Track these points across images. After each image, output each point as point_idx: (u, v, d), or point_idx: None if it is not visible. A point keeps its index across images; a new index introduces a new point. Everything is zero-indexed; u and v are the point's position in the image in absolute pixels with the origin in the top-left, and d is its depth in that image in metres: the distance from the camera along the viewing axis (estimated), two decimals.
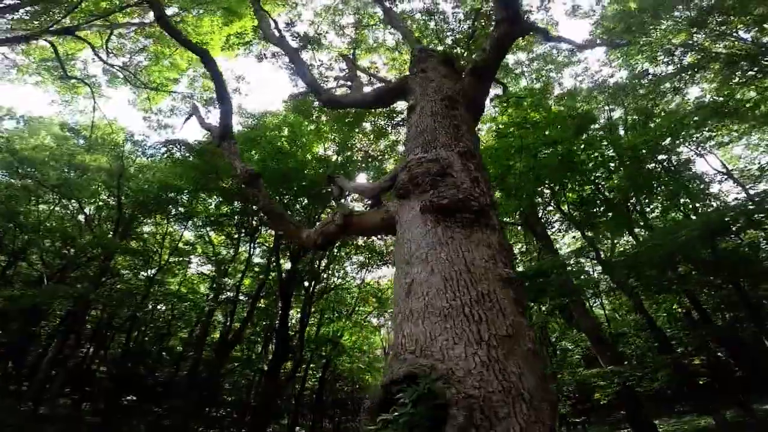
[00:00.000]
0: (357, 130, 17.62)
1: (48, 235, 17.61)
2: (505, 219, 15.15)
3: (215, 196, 18.33)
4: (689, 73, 14.29)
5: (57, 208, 19.29)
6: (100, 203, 19.43)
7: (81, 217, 19.65)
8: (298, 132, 17.05)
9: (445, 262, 3.10)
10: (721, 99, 14.40)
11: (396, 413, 2.22)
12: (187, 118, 8.03)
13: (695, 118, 13.76)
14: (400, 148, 17.23)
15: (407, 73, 8.49)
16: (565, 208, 14.86)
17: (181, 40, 6.96)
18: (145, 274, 20.26)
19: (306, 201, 17.77)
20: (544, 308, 14.65)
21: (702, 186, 15.87)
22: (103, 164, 18.50)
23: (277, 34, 9.92)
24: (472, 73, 6.80)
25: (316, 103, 16.40)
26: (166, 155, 16.07)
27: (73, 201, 18.60)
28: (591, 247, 13.21)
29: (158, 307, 22.22)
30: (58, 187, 17.12)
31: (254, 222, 18.70)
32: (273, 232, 20.67)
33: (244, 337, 21.95)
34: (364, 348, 24.78)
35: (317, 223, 7.83)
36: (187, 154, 16.11)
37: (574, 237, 20.06)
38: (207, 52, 6.85)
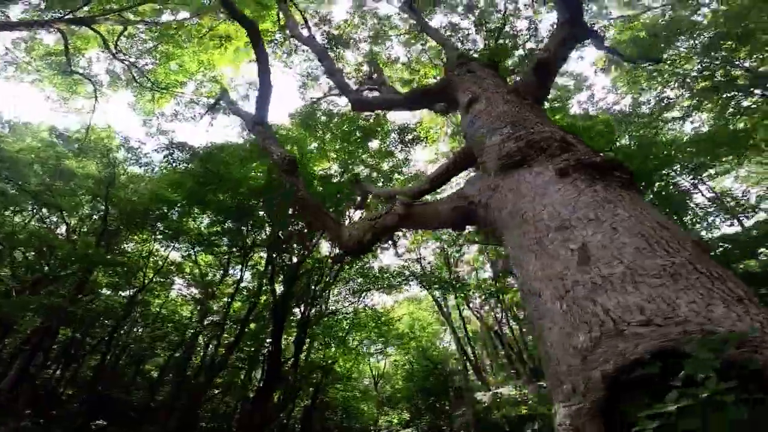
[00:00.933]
0: (361, 151, 17.01)
1: (22, 245, 15.96)
2: None
3: (209, 213, 17.10)
4: (698, 99, 14.55)
5: (37, 217, 17.69)
6: (85, 213, 17.88)
7: (62, 229, 18.06)
8: (303, 149, 16.33)
9: (629, 219, 2.47)
10: (717, 128, 14.63)
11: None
12: (215, 103, 7.31)
13: (690, 149, 13.86)
14: (410, 168, 16.82)
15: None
16: None
17: (233, 10, 6.32)
18: (126, 293, 18.61)
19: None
20: None
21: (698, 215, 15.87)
22: (92, 171, 17.22)
23: (305, 33, 9.43)
24: (534, 71, 6.46)
25: (324, 118, 15.84)
26: (165, 160, 14.89)
27: (54, 210, 17.06)
28: None
29: (136, 329, 20.47)
30: (38, 194, 15.67)
31: (248, 241, 17.56)
32: (265, 255, 19.55)
33: (230, 363, 20.28)
34: (354, 376, 23.18)
35: (359, 219, 7.07)
36: (187, 163, 15.00)
37: None
38: (255, 25, 6.22)
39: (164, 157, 14.63)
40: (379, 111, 13.56)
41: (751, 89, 14.51)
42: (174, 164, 14.96)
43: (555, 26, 7.48)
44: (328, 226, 6.29)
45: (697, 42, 13.86)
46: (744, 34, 12.30)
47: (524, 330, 23.64)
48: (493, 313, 25.30)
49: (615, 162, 3.04)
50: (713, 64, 13.97)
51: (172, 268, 20.40)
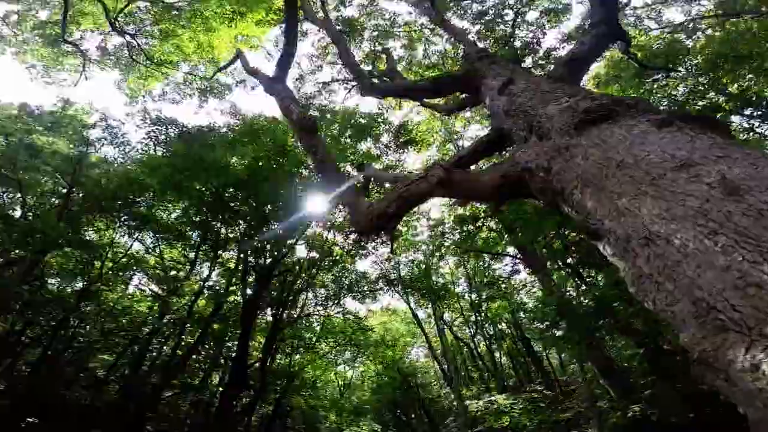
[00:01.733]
0: (351, 152, 16.55)
1: None
2: None
3: (181, 203, 16.01)
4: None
5: None
6: (47, 190, 16.23)
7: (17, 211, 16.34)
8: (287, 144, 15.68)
9: (764, 158, 2.23)
10: None
11: None
12: (231, 62, 6.77)
13: None
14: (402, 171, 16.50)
15: None
16: None
17: None
18: (79, 284, 16.96)
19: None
20: None
21: None
22: (61, 149, 15.83)
23: (321, 14, 9.08)
24: (565, 64, 6.33)
25: (316, 113, 15.34)
26: (147, 136, 13.83)
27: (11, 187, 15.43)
28: None
29: (85, 324, 18.59)
30: None
31: (221, 237, 16.54)
32: (235, 255, 18.50)
33: (189, 365, 18.82)
34: (320, 385, 22.05)
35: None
36: (168, 145, 13.97)
37: None
38: None
39: (147, 134, 13.66)
40: (392, 98, 13.22)
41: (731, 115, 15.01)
42: (156, 143, 13.93)
43: (589, 25, 7.46)
44: (347, 200, 5.81)
45: (688, 66, 14.33)
46: (733, 60, 12.80)
47: (494, 345, 23.51)
48: (468, 327, 25.07)
49: (710, 117, 2.82)
50: (700, 89, 14.41)
51: (132, 261, 18.83)
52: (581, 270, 13.59)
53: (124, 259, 17.94)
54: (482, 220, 15.98)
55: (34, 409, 15.23)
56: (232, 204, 14.81)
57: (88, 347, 18.51)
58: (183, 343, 18.05)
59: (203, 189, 14.37)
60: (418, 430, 25.85)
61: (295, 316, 17.34)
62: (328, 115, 15.21)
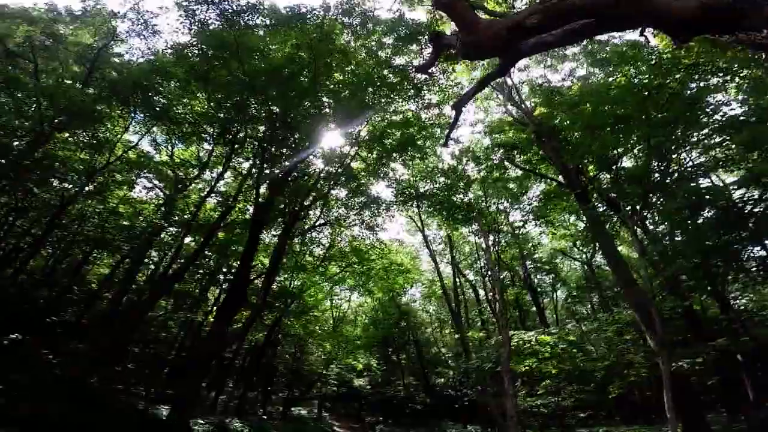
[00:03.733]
0: None
1: None
2: None
3: (205, 95, 14.07)
4: None
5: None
6: (63, 76, 14.06)
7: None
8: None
9: None
10: None
11: None
12: None
13: None
14: None
15: None
16: None
17: None
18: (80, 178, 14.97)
19: None
20: None
21: None
22: (85, 39, 14.09)
23: None
24: None
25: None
26: (182, 14, 11.78)
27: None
28: None
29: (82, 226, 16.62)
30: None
31: (240, 134, 14.65)
32: (250, 160, 16.61)
33: (187, 277, 17.25)
34: (316, 314, 20.73)
35: None
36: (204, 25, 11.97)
37: None
38: None
39: (183, 11, 11.60)
40: None
41: None
42: (191, 23, 11.90)
43: None
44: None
45: None
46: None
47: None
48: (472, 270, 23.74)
49: None
50: None
51: (142, 160, 16.78)
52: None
53: (132, 155, 16.02)
54: (521, 149, 14.36)
55: (18, 323, 13.59)
56: (260, 97, 12.84)
57: (84, 254, 16.87)
58: (183, 251, 16.48)
59: (232, 78, 12.63)
60: (407, 370, 25.39)
61: (306, 227, 15.68)
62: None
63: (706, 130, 10.99)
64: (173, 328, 19.32)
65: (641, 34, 6.02)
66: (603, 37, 17.91)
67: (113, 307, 15.48)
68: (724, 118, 10.49)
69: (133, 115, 14.65)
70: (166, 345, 18.84)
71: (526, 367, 13.11)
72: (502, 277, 22.80)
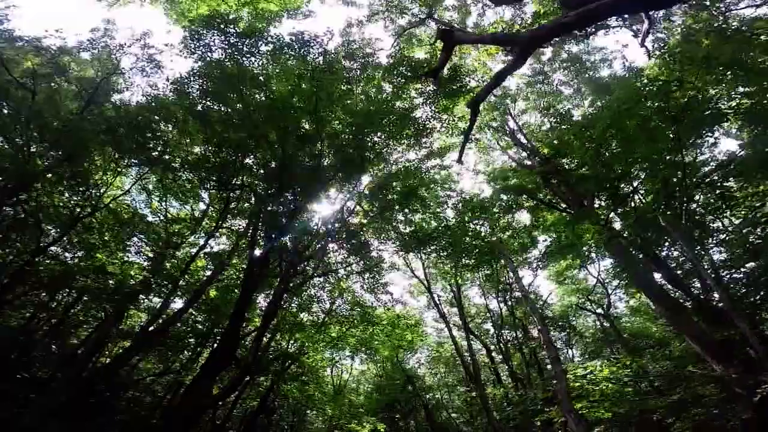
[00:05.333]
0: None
1: None
2: None
3: (202, 137, 13.35)
4: None
5: None
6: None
7: None
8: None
9: None
10: None
11: None
12: None
13: None
14: None
15: None
16: None
17: None
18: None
19: None
20: None
21: None
22: (89, 74, 13.62)
23: None
24: None
25: None
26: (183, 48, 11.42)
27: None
28: None
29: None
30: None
31: (238, 182, 13.74)
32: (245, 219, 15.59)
33: (172, 332, 15.41)
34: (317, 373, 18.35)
35: None
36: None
37: None
38: None
39: (182, 41, 11.27)
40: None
41: None
42: (191, 51, 11.48)
43: None
44: None
45: None
46: None
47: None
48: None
49: None
50: None
51: (135, 218, 15.61)
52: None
53: (122, 208, 14.98)
54: (528, 192, 13.29)
55: None
56: (258, 132, 12.10)
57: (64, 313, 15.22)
58: (169, 311, 14.84)
59: (231, 113, 11.88)
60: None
61: (307, 275, 14.11)
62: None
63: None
64: (160, 393, 17.21)
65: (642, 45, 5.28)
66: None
67: (86, 362, 13.51)
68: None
69: (126, 160, 13.73)
70: (150, 408, 16.59)
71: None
72: (514, 335, 20.83)
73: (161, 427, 14.18)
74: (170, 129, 13.27)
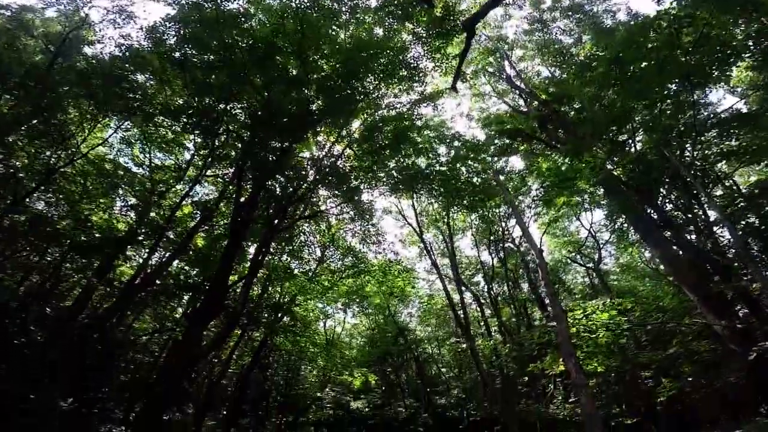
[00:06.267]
0: None
1: None
2: None
3: (181, 85, 12.43)
4: None
5: None
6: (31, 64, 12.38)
7: None
8: None
9: None
10: None
11: None
12: None
13: None
14: None
15: None
16: None
17: None
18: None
19: None
20: None
21: None
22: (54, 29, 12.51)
23: None
24: None
25: None
26: None
27: None
28: None
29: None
30: None
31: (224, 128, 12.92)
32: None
33: (161, 285, 14.92)
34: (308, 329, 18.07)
35: None
36: None
37: None
38: None
39: None
40: None
41: None
42: None
43: None
44: None
45: None
46: None
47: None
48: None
49: None
50: None
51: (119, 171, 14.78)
52: None
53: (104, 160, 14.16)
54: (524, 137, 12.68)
55: None
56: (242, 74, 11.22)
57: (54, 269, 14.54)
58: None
59: (212, 58, 11.08)
60: (407, 390, 22.57)
61: (296, 217, 13.51)
62: None
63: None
64: (157, 352, 16.91)
65: None
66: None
67: (72, 320, 13.06)
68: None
69: (102, 112, 12.79)
70: (148, 368, 16.32)
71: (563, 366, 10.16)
72: (504, 289, 20.68)
73: (156, 384, 13.93)
74: (147, 78, 12.38)
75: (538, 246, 21.16)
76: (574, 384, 6.72)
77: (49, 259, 14.62)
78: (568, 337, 8.30)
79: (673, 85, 9.99)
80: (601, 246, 17.66)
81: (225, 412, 17.97)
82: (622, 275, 21.87)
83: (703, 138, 11.19)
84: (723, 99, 35.99)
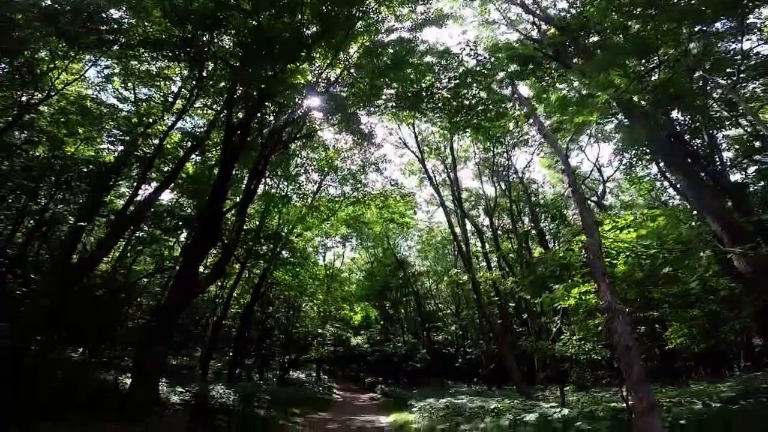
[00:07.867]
0: None
1: None
2: None
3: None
4: None
5: None
6: None
7: None
8: None
9: None
10: None
11: None
12: None
13: None
14: None
15: None
16: None
17: None
18: None
19: None
20: None
21: None
22: None
23: None
24: None
25: None
26: None
27: None
28: None
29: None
30: None
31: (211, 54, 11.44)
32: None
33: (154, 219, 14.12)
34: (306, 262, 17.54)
35: None
36: None
37: None
38: None
39: None
40: None
41: None
42: None
43: None
44: None
45: None
46: None
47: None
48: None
49: None
50: None
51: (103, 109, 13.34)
52: None
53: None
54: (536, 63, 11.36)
55: None
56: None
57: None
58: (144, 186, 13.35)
59: None
60: (406, 326, 22.83)
61: (291, 137, 12.48)
62: None
63: None
64: (159, 294, 16.49)
65: None
66: None
67: (63, 258, 12.27)
68: None
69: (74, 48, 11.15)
70: (151, 311, 15.98)
71: (575, 298, 9.05)
72: (504, 223, 20.14)
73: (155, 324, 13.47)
74: (124, 15, 10.63)
75: (538, 182, 20.31)
76: (607, 310, 5.56)
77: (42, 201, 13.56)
78: (601, 254, 6.59)
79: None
80: (606, 180, 16.89)
81: (231, 354, 17.94)
82: (624, 212, 21.29)
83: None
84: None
